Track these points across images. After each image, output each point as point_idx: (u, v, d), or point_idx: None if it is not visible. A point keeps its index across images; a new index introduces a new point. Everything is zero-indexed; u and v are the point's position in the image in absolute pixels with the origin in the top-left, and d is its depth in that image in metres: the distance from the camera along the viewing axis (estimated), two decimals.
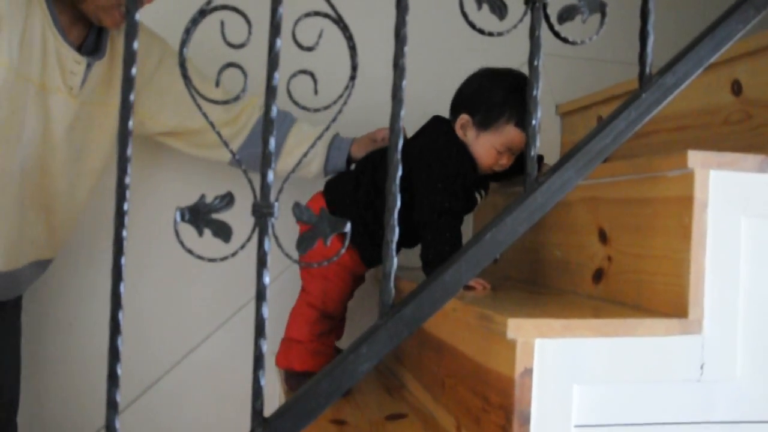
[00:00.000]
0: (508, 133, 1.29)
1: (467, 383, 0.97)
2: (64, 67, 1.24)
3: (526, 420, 0.79)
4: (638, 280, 0.95)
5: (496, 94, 1.30)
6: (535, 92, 0.83)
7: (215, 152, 1.49)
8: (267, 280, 0.73)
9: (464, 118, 1.32)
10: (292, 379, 1.38)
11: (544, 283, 1.27)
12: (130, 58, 0.68)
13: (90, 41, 1.29)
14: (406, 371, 1.37)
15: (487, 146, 1.30)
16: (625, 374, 0.83)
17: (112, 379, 0.70)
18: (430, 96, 1.79)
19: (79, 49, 1.27)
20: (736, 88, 1.22)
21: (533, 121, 0.83)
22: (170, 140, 1.49)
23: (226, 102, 0.73)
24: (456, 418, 1.02)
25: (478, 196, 1.39)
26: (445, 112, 1.82)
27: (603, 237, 1.05)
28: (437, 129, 1.37)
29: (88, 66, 1.27)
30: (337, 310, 1.42)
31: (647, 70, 0.85)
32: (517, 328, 0.78)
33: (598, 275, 1.06)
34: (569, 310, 0.93)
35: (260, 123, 1.46)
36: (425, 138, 1.36)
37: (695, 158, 0.84)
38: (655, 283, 0.91)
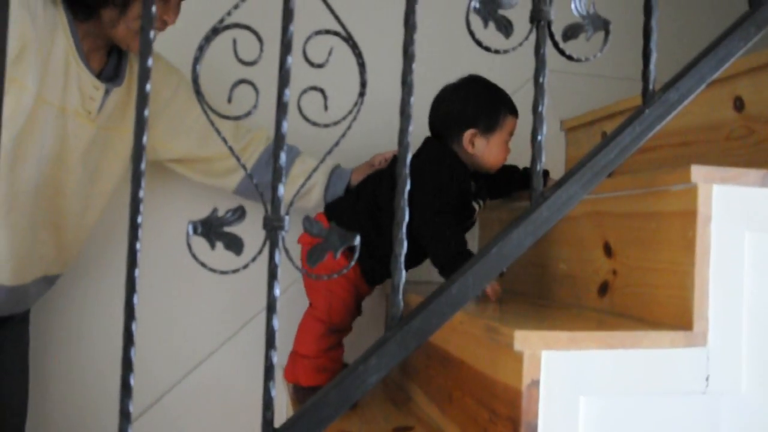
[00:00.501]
0: (508, 124, 1.38)
1: (474, 395, 0.98)
2: (84, 93, 1.27)
3: (533, 431, 0.80)
4: (643, 293, 0.96)
5: (484, 100, 1.39)
6: (540, 108, 0.85)
7: (221, 181, 1.54)
8: (277, 292, 0.74)
9: (470, 132, 1.36)
10: (300, 392, 1.39)
11: (550, 297, 1.28)
12: (144, 74, 0.70)
13: (110, 68, 1.33)
14: (413, 384, 1.38)
15: (499, 143, 1.38)
16: (630, 386, 0.83)
17: (126, 390, 0.71)
18: None
19: (99, 75, 1.31)
20: (739, 104, 1.23)
21: (539, 137, 0.84)
22: (179, 167, 1.53)
23: (237, 117, 0.74)
24: (463, 430, 1.03)
25: (476, 205, 1.42)
26: None
27: (608, 251, 1.06)
28: (432, 146, 1.41)
29: (107, 92, 1.31)
30: (343, 324, 1.43)
31: (650, 86, 0.86)
32: (524, 340, 0.79)
33: (604, 288, 1.07)
34: (575, 323, 0.94)
35: (265, 154, 1.52)
36: (422, 156, 1.39)
37: (698, 173, 0.86)
38: (660, 295, 0.92)
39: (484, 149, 1.37)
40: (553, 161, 1.87)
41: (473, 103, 1.38)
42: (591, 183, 0.84)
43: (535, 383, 0.80)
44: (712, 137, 1.30)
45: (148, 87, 0.71)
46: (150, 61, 0.71)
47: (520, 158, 1.83)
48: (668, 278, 0.90)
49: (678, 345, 0.84)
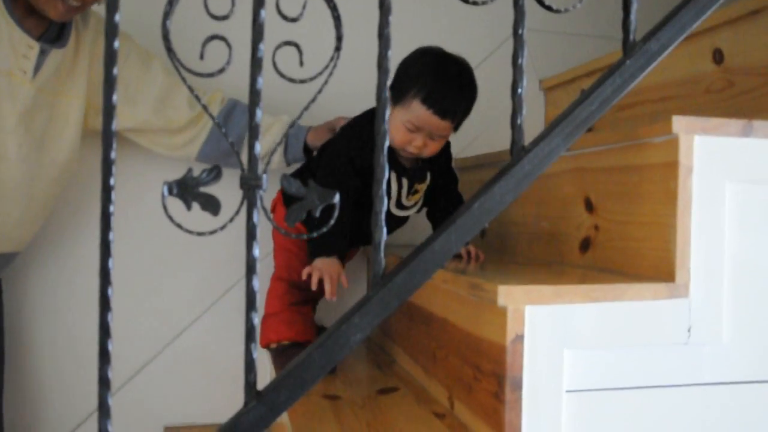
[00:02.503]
0: (414, 110, 1.22)
1: (458, 353, 0.98)
2: (17, 51, 1.24)
3: (518, 386, 0.80)
4: (625, 247, 0.96)
5: (413, 69, 1.26)
6: (520, 61, 0.84)
7: (181, 151, 1.51)
8: (257, 252, 0.73)
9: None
10: (275, 353, 1.39)
11: (531, 255, 1.28)
12: (110, 58, 0.67)
13: (51, 31, 1.30)
14: (396, 346, 1.38)
15: (396, 122, 1.24)
16: (614, 339, 0.84)
17: (104, 357, 0.70)
18: None
19: (40, 38, 1.27)
20: (718, 56, 1.23)
21: (519, 90, 0.83)
22: (138, 138, 1.50)
23: (211, 75, 0.72)
24: (447, 389, 1.03)
25: (395, 185, 1.34)
26: None
27: (589, 206, 1.06)
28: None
29: (42, 52, 1.27)
30: (304, 281, 1.43)
31: (631, 37, 0.85)
32: (507, 295, 0.79)
33: (586, 244, 1.07)
34: (558, 278, 0.94)
35: (219, 118, 1.48)
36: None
37: (680, 124, 0.85)
38: (642, 249, 0.92)
39: (390, 118, 1.28)
40: (532, 121, 1.86)
41: (405, 66, 1.28)
42: (572, 135, 0.83)
43: (520, 338, 0.80)
44: (691, 91, 1.29)
45: (115, 71, 0.68)
46: (116, 44, 0.68)
47: (504, 116, 1.83)
48: (650, 231, 0.90)
49: (660, 297, 0.84)
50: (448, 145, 1.41)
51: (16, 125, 1.27)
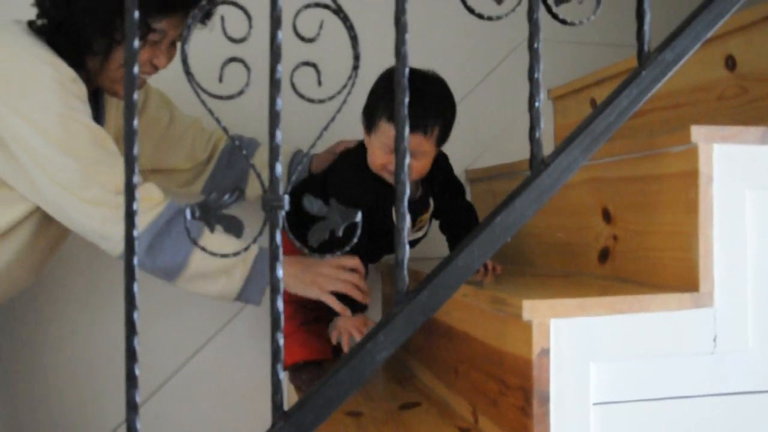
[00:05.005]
0: (384, 130, 1.21)
1: (481, 368, 0.97)
2: None
3: (545, 400, 0.79)
4: (646, 257, 0.96)
5: (378, 92, 1.25)
6: (537, 75, 0.84)
7: (188, 188, 1.52)
8: (280, 273, 0.73)
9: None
10: (294, 376, 1.39)
11: (548, 266, 1.28)
12: (130, 110, 0.68)
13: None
14: (415, 360, 1.37)
15: (373, 148, 1.25)
16: (640, 350, 0.83)
17: (131, 380, 0.70)
18: (439, 72, 1.80)
19: None
20: (730, 63, 1.23)
21: (536, 104, 0.83)
22: (150, 177, 1.50)
23: (230, 97, 0.72)
24: (471, 403, 1.02)
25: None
26: None
27: (607, 217, 1.06)
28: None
29: None
30: (311, 300, 1.43)
31: (646, 47, 0.85)
32: (532, 309, 0.79)
33: (604, 255, 1.07)
34: (580, 290, 0.94)
35: (224, 153, 1.50)
36: None
37: (698, 133, 0.85)
38: (664, 258, 0.92)
39: (368, 147, 1.28)
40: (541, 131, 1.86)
41: (369, 95, 1.27)
42: (591, 147, 0.83)
43: (546, 352, 0.79)
44: (703, 98, 1.29)
45: (136, 123, 0.69)
46: (135, 96, 0.68)
47: (519, 121, 1.83)
48: (671, 241, 0.90)
49: (685, 307, 0.84)
50: (444, 159, 1.39)
51: None
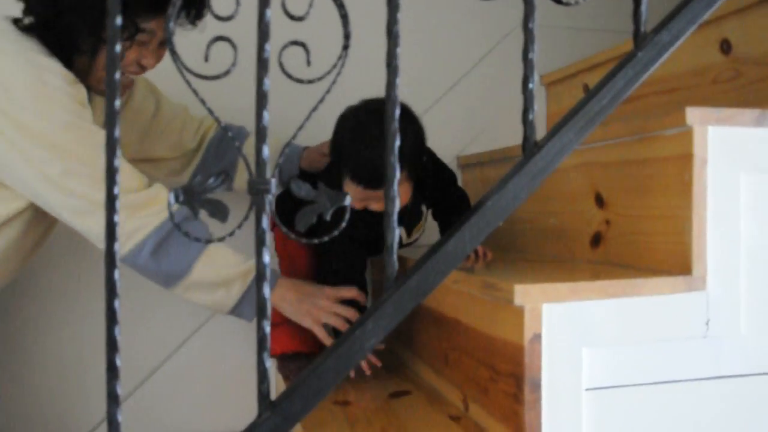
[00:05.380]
0: (351, 187, 1.17)
1: (472, 354, 0.96)
2: None
3: (537, 386, 0.78)
4: (639, 241, 0.95)
5: (337, 143, 1.21)
6: (531, 55, 0.82)
7: (177, 177, 1.50)
8: (267, 259, 0.71)
9: None
10: (283, 365, 1.37)
11: (540, 252, 1.26)
12: (111, 118, 0.65)
13: None
14: (405, 349, 1.36)
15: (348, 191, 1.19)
16: (632, 334, 0.82)
17: (112, 371, 0.68)
18: (423, 63, 1.78)
19: None
20: (725, 46, 1.21)
21: (530, 85, 0.82)
22: (137, 166, 1.47)
23: (216, 77, 0.70)
24: (462, 391, 1.01)
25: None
26: (439, 81, 1.81)
27: (600, 201, 1.05)
28: None
29: None
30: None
31: (642, 28, 0.83)
32: (524, 294, 0.77)
33: (597, 239, 1.05)
34: (572, 275, 0.93)
35: (212, 143, 1.47)
36: None
37: (693, 115, 0.84)
38: (657, 242, 0.91)
39: None
40: (534, 113, 1.84)
41: (332, 138, 1.23)
42: (585, 130, 0.81)
43: (537, 337, 0.78)
44: (698, 82, 1.28)
45: (117, 131, 0.66)
46: (117, 104, 0.66)
47: (510, 108, 1.81)
48: (665, 224, 0.89)
49: (678, 290, 0.83)
50: (430, 157, 1.35)
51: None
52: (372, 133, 1.14)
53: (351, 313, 1.19)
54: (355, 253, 1.34)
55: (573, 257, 1.13)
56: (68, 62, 1.12)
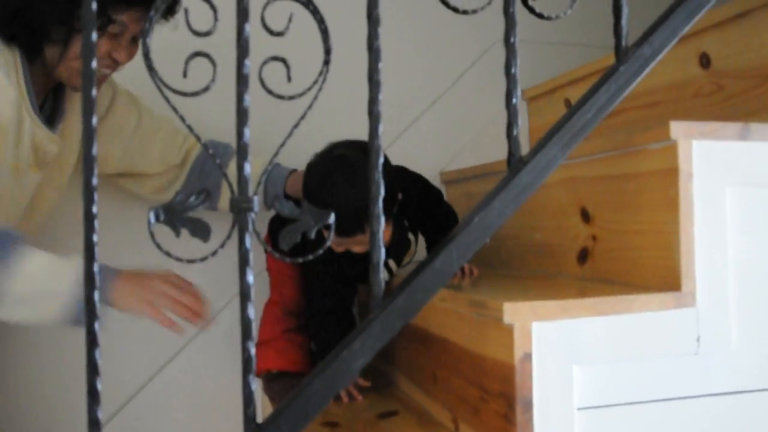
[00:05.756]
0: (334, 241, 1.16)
1: (461, 374, 0.94)
2: (38, 148, 1.17)
3: (528, 406, 0.77)
4: (626, 257, 0.94)
5: (306, 195, 1.19)
6: (513, 70, 0.82)
7: (162, 195, 1.46)
8: (251, 279, 0.69)
9: None
10: (268, 384, 1.35)
11: (525, 268, 1.25)
12: (88, 106, 0.64)
13: (47, 106, 1.23)
14: (392, 368, 1.34)
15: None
16: (623, 352, 0.81)
17: (93, 396, 0.65)
18: (404, 77, 1.77)
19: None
20: (705, 60, 1.22)
21: (513, 100, 0.82)
22: (121, 181, 1.46)
23: (195, 93, 0.68)
24: (451, 411, 0.99)
25: (385, 273, 1.31)
26: (420, 96, 1.79)
27: (585, 216, 1.04)
28: None
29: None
30: (298, 306, 1.41)
31: (623, 42, 0.84)
32: (513, 312, 0.76)
33: (583, 255, 1.05)
34: (561, 291, 0.92)
35: (197, 162, 1.43)
36: None
37: (678, 129, 0.83)
38: (644, 258, 0.90)
39: None
40: (519, 128, 1.84)
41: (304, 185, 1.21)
42: (569, 145, 0.81)
43: (528, 356, 0.77)
44: (679, 96, 1.28)
45: (95, 120, 0.65)
46: (94, 92, 0.64)
47: (493, 123, 1.82)
48: (652, 239, 0.88)
49: (667, 307, 0.82)
50: (413, 183, 1.35)
51: (16, 207, 1.20)
52: (339, 182, 1.13)
53: (189, 300, 1.12)
54: (343, 290, 1.33)
55: (560, 273, 1.12)
56: (38, 52, 1.10)
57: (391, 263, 1.34)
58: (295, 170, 1.45)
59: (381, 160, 0.73)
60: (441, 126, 1.84)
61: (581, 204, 1.05)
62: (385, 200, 1.16)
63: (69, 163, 1.29)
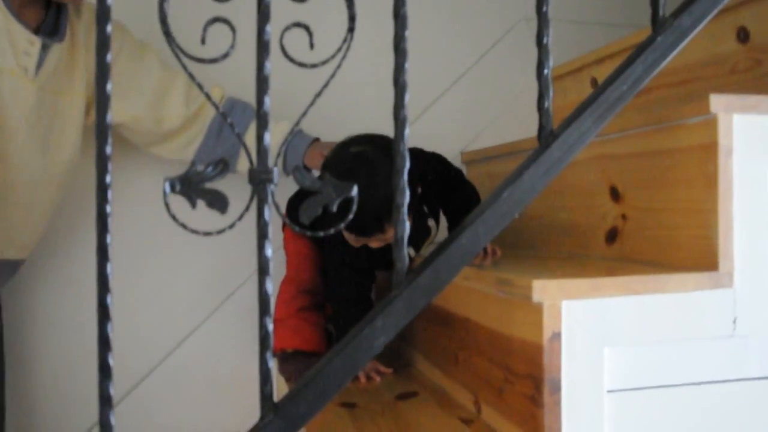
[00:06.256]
0: (347, 236, 1.15)
1: (484, 354, 0.92)
2: (17, 48, 1.15)
3: (556, 388, 0.74)
4: (658, 236, 0.91)
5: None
6: (545, 40, 0.79)
7: (175, 155, 1.43)
8: (269, 252, 0.67)
9: None
10: (283, 364, 1.33)
11: (551, 249, 1.22)
12: (103, 44, 0.61)
13: (48, 24, 1.20)
14: (411, 348, 1.32)
15: (347, 236, 1.17)
16: (655, 334, 0.78)
17: (104, 371, 0.63)
18: (426, 56, 1.73)
19: (37, 30, 1.18)
20: (742, 35, 1.17)
21: (545, 71, 0.79)
22: (131, 136, 1.42)
23: (214, 60, 0.65)
24: (473, 392, 0.97)
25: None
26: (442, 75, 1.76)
27: (615, 195, 1.00)
28: None
29: (44, 47, 1.18)
30: (314, 284, 1.39)
31: (661, 12, 0.80)
32: (542, 290, 0.73)
33: (612, 235, 1.01)
34: (589, 271, 0.88)
35: (215, 122, 1.39)
36: None
37: (718, 102, 0.79)
38: (678, 237, 0.86)
39: None
40: (550, 100, 1.80)
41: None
42: (603, 118, 0.78)
43: (557, 336, 0.74)
44: (714, 73, 1.23)
45: (109, 57, 0.62)
46: (109, 29, 0.62)
47: (515, 102, 1.78)
48: (687, 218, 0.85)
49: (703, 287, 0.79)
50: (433, 167, 1.31)
51: (18, 128, 1.19)
52: (358, 183, 1.08)
53: None
54: (361, 278, 1.32)
55: (586, 253, 1.09)
56: None
57: (410, 250, 1.32)
58: (317, 139, 1.42)
59: (407, 164, 0.69)
60: (462, 105, 1.80)
61: (611, 182, 1.01)
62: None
63: (78, 93, 1.27)
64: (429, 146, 1.38)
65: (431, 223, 1.32)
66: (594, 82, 1.62)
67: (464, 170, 1.73)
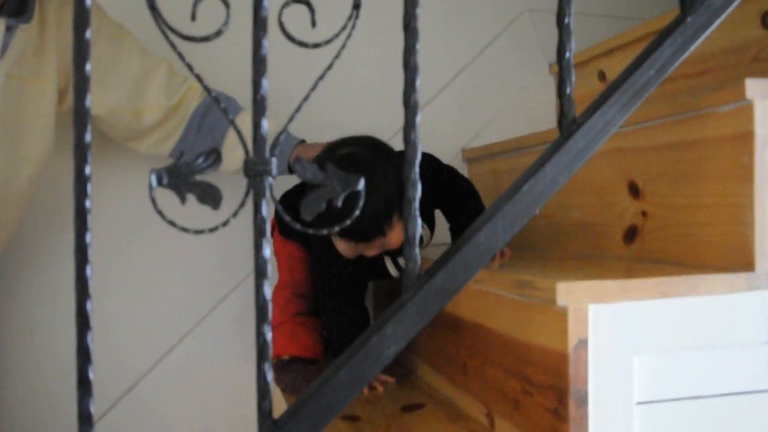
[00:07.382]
0: (340, 245, 1.08)
1: (498, 363, 0.85)
2: None
3: (583, 400, 0.67)
4: (683, 234, 0.84)
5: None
6: (566, 20, 0.73)
7: (152, 146, 1.33)
8: (267, 252, 0.60)
9: None
10: (279, 373, 1.26)
11: (563, 250, 1.16)
12: (82, 18, 0.54)
13: (12, 3, 1.10)
14: (414, 356, 1.25)
15: (340, 246, 1.10)
16: (686, 340, 0.72)
17: (84, 387, 0.56)
18: (425, 51, 1.66)
19: (1, 12, 1.08)
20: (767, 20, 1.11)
21: (567, 54, 0.73)
22: (106, 128, 1.32)
23: (206, 39, 0.59)
24: (485, 404, 0.90)
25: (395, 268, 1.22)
26: (441, 70, 1.70)
27: (634, 190, 0.94)
28: None
29: (9, 29, 1.09)
30: (309, 287, 1.32)
31: None
32: (567, 293, 0.67)
33: (631, 234, 0.95)
34: (611, 273, 0.82)
35: (196, 115, 1.30)
36: None
37: (754, 88, 0.73)
38: (707, 234, 0.80)
39: None
40: (542, 109, 1.75)
41: None
42: (629, 105, 0.72)
43: (583, 343, 0.67)
44: (735, 61, 1.17)
45: (88, 34, 0.55)
46: (89, 1, 0.55)
47: (518, 98, 1.72)
48: (717, 214, 0.78)
49: (738, 289, 0.73)
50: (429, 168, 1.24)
51: None
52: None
53: None
54: (353, 288, 1.24)
55: (602, 254, 1.02)
56: None
57: (401, 260, 1.25)
58: (303, 141, 1.33)
59: (419, 156, 0.63)
60: (463, 101, 1.74)
61: (629, 177, 0.95)
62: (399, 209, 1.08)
63: (48, 80, 1.19)
64: (428, 144, 1.29)
65: (425, 230, 1.25)
66: (601, 74, 1.56)
67: (466, 168, 1.67)
